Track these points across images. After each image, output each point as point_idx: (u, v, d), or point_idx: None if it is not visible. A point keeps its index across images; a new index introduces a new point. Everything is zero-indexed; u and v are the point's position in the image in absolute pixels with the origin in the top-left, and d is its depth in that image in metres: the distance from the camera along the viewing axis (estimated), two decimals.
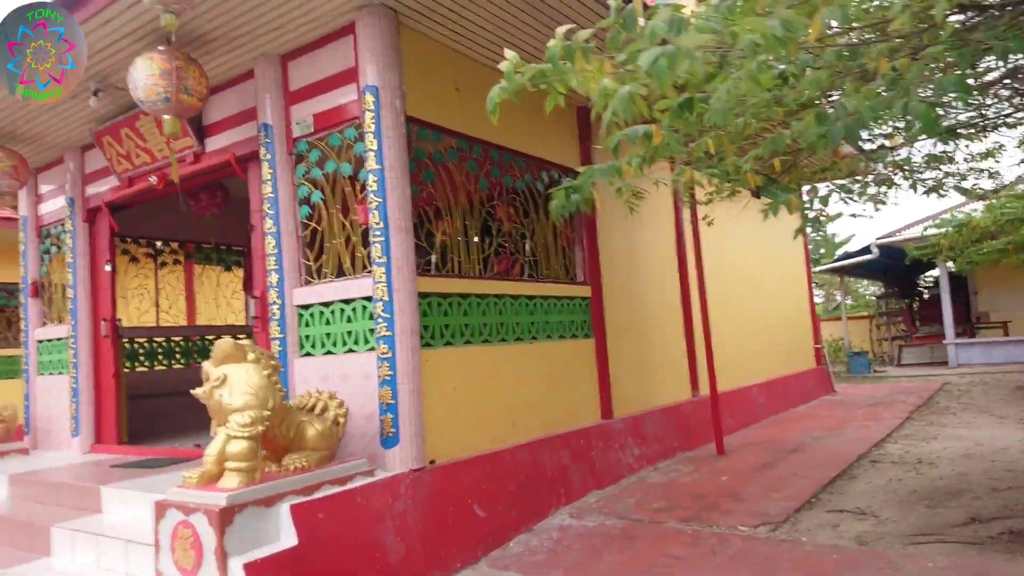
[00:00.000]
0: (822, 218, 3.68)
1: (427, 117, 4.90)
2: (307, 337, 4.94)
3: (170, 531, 3.56)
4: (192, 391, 3.78)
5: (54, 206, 7.30)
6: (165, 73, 4.50)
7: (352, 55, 4.69)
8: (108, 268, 6.77)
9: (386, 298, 4.41)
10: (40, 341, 7.39)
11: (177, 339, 8.60)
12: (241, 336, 9.38)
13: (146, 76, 4.50)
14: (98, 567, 4.05)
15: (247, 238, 9.44)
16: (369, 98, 4.49)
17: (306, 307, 4.94)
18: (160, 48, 4.61)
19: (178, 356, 8.60)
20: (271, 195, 5.03)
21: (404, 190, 4.53)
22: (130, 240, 8.32)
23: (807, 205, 3.64)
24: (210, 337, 9.03)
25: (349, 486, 4.00)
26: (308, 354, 4.90)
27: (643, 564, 4.07)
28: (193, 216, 8.30)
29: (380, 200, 4.45)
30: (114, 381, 6.70)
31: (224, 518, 3.37)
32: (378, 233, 4.45)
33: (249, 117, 5.34)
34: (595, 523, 4.92)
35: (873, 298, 28.56)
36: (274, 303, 5.01)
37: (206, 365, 3.80)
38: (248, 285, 9.62)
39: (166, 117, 4.68)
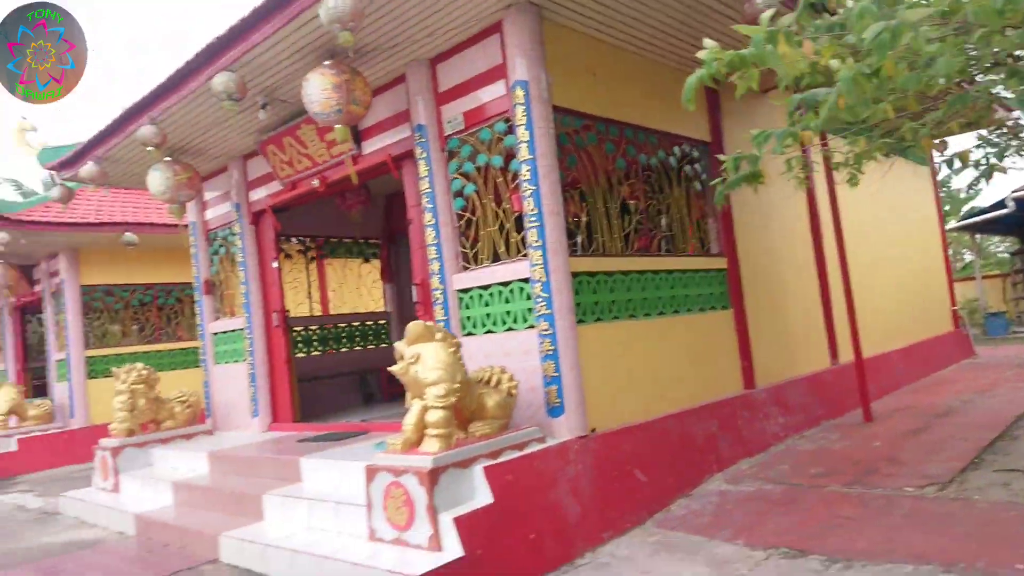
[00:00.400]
0: (997, 169, 3.60)
1: (568, 104, 5.14)
2: (468, 318, 5.35)
3: (381, 492, 4.05)
4: (389, 369, 4.25)
5: (219, 211, 8.12)
6: (336, 87, 4.98)
7: (499, 52, 4.99)
8: (275, 265, 7.50)
9: (543, 279, 4.72)
10: (215, 334, 8.28)
11: (328, 326, 9.35)
12: (382, 321, 10.09)
13: (320, 90, 4.99)
14: (309, 528, 4.63)
15: (383, 232, 10.14)
16: (519, 92, 4.78)
17: (465, 291, 5.34)
18: (327, 63, 5.10)
19: (330, 342, 9.36)
20: (428, 190, 5.45)
21: (554, 177, 4.81)
22: (283, 238, 9.09)
23: (982, 159, 3.58)
24: (355, 324, 9.76)
25: (526, 451, 4.36)
26: (470, 334, 5.31)
27: (814, 524, 4.20)
28: (335, 214, 9.00)
29: (533, 188, 4.75)
30: (286, 366, 7.44)
31: (433, 478, 3.81)
32: (533, 219, 4.76)
33: (401, 120, 5.77)
34: (753, 488, 5.07)
35: (1006, 255, 26.41)
36: (436, 289, 5.45)
37: (399, 345, 4.25)
38: (386, 275, 10.29)
39: (337, 127, 5.17)
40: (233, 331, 7.95)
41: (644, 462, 4.99)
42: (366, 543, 4.10)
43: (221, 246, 8.15)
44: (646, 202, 5.91)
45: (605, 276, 5.25)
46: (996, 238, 25.77)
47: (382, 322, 10.17)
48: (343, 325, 9.70)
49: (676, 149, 6.19)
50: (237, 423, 7.83)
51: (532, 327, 4.85)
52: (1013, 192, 16.76)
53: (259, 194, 7.47)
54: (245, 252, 7.59)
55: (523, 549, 3.96)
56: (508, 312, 5.05)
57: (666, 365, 5.60)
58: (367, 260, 10.42)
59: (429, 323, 4.25)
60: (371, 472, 4.12)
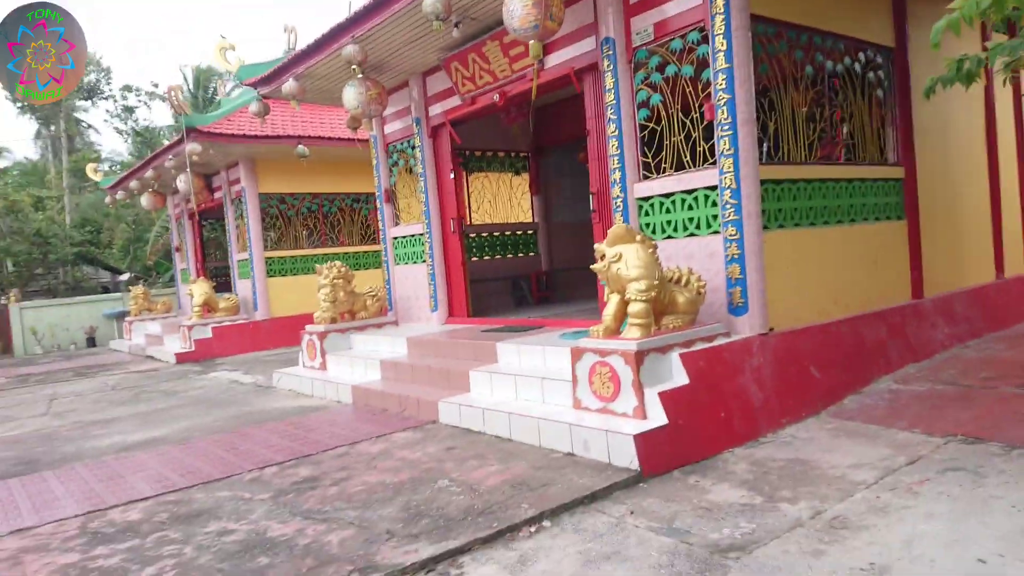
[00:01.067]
0: None
1: (762, 11, 5.23)
2: (647, 224, 5.77)
3: (587, 369, 4.69)
4: (592, 267, 4.78)
5: (397, 126, 8.83)
6: (536, 3, 5.32)
7: None
8: (452, 176, 8.17)
9: (733, 186, 5.03)
10: (394, 238, 9.19)
11: (484, 235, 10.06)
12: (530, 232, 10.69)
13: (521, 7, 5.35)
14: (516, 397, 5.40)
15: (531, 145, 10.53)
16: (719, 1, 4.94)
17: (646, 199, 5.74)
18: None
19: (485, 249, 10.10)
20: (613, 102, 5.79)
21: (749, 85, 5.00)
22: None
23: None
24: (507, 233, 10.43)
25: (714, 343, 4.84)
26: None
27: (990, 417, 4.46)
28: (485, 129, 9.47)
29: (728, 96, 4.98)
30: (462, 268, 8.24)
31: (639, 358, 4.39)
32: (725, 127, 5.02)
33: (584, 34, 6.07)
34: (924, 388, 5.33)
35: None
36: (616, 197, 5.88)
37: (600, 246, 4.76)
38: (534, 187, 10.80)
39: (532, 42, 5.56)
40: (411, 236, 8.81)
41: (818, 360, 5.35)
42: (571, 411, 4.80)
43: (400, 158, 8.91)
44: (830, 110, 5.95)
45: (790, 184, 5.47)
46: None
47: (530, 232, 10.77)
48: (496, 234, 10.38)
49: (861, 55, 6.12)
50: (416, 316, 8.81)
51: (716, 232, 5.21)
52: None
53: (437, 109, 8.07)
54: (424, 164, 8.30)
55: (715, 424, 4.51)
56: (691, 219, 5.42)
57: (841, 272, 5.81)
58: (517, 173, 10.93)
59: (629, 226, 4.71)
60: (577, 353, 4.76)
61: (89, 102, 24.92)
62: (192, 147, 11.24)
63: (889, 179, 6.33)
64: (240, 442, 5.80)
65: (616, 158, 5.85)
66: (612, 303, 4.77)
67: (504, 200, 10.80)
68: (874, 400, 5.19)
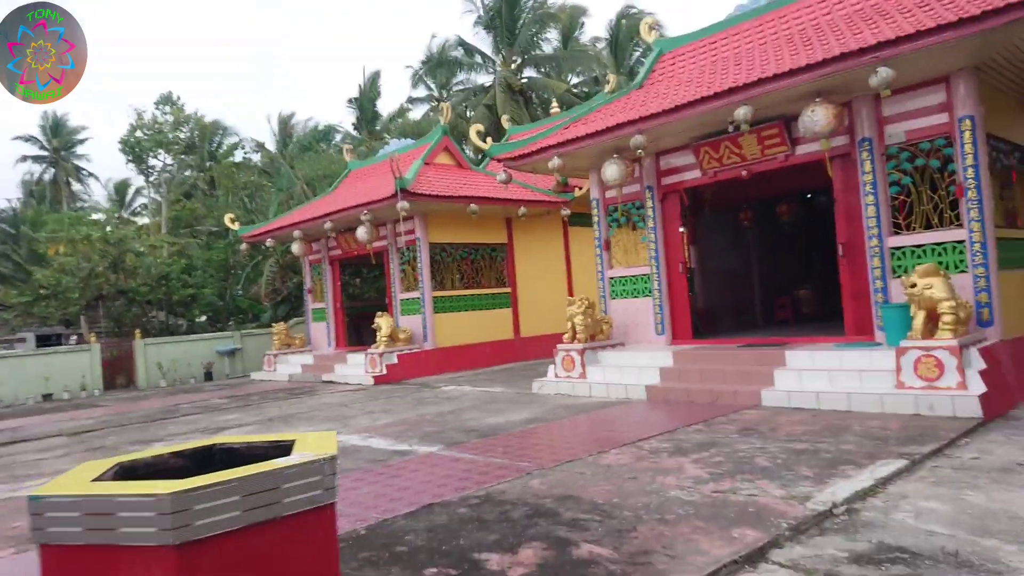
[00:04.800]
0: None
1: (993, 131, 7.87)
2: (899, 266, 8.21)
3: (911, 361, 7.01)
4: (905, 291, 7.16)
5: (623, 191, 11.18)
6: (836, 116, 7.87)
7: (943, 95, 7.77)
8: (681, 230, 10.56)
9: (981, 240, 7.55)
10: (611, 278, 11.43)
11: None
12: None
13: (824, 118, 7.88)
14: (831, 385, 7.63)
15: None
16: (967, 122, 7.56)
17: (898, 248, 8.21)
18: (818, 100, 7.97)
19: None
20: (871, 181, 8.31)
21: (987, 174, 7.60)
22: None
23: None
24: None
25: (983, 343, 7.24)
26: (899, 276, 8.17)
27: None
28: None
29: (976, 182, 7.54)
30: (687, 299, 10.57)
31: (960, 350, 6.74)
32: (973, 202, 7.57)
33: (838, 133, 8.61)
34: None
35: None
36: (874, 247, 8.33)
37: (908, 278, 7.17)
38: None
39: (823, 140, 8.07)
40: (631, 276, 11.08)
41: None
42: (895, 389, 7.09)
43: (622, 216, 11.25)
44: (1018, 189, 8.60)
45: (1007, 239, 8.01)
46: None
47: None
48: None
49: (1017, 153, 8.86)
50: (638, 339, 10.98)
51: (964, 272, 7.69)
52: None
53: (672, 179, 10.51)
54: (655, 221, 10.67)
55: (1001, 394, 6.86)
56: (941, 263, 7.89)
57: None
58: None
59: (934, 264, 7.15)
60: (901, 351, 7.09)
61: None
62: (403, 204, 13.36)
63: None
64: (615, 419, 7.85)
65: (873, 219, 8.33)
66: (920, 317, 7.15)
67: None
68: None
